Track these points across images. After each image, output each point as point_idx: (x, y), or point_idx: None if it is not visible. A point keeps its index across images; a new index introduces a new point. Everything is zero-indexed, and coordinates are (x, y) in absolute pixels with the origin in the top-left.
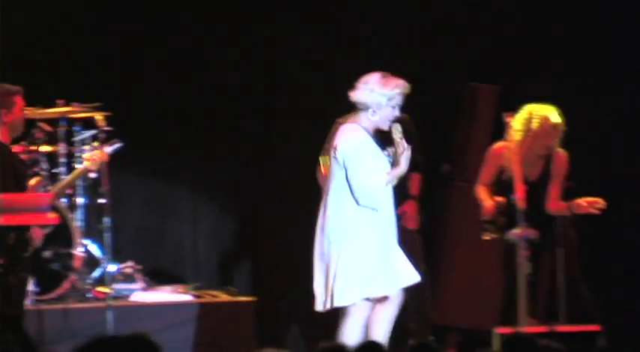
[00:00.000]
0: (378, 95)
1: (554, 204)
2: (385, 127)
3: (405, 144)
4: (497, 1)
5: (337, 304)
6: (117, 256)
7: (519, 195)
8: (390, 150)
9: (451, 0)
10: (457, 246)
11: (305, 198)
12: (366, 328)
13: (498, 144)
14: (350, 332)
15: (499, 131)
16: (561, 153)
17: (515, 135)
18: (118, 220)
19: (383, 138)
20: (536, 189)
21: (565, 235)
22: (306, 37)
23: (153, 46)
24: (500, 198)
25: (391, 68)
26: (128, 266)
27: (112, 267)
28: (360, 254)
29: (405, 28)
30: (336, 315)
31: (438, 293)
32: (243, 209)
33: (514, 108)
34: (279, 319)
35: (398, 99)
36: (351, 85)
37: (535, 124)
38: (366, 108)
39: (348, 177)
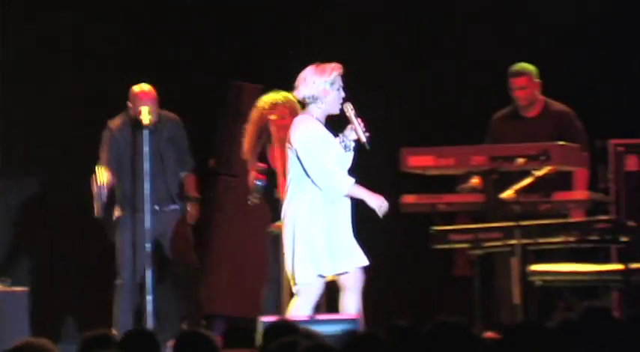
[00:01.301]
0: (321, 84)
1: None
2: (336, 111)
3: (359, 119)
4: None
5: (297, 282)
6: None
7: (281, 188)
8: (343, 135)
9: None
10: (224, 237)
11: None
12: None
13: None
14: (298, 313)
15: None
16: None
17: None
18: None
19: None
20: None
21: None
22: None
23: None
24: (261, 164)
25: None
26: None
27: None
28: (314, 235)
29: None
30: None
31: (208, 283)
32: None
33: None
34: (54, 309)
35: (339, 81)
36: None
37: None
38: (314, 100)
39: (305, 167)
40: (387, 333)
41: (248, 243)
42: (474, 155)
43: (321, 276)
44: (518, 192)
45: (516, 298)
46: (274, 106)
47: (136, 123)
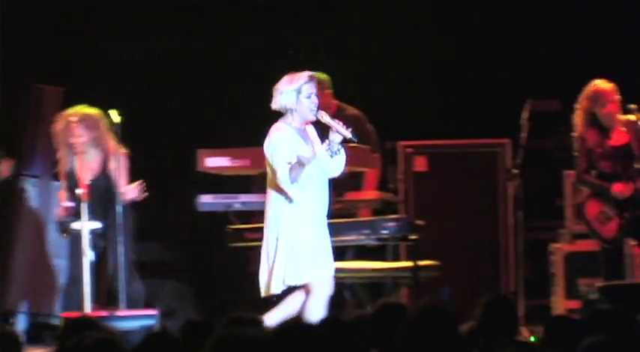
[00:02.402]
0: (289, 93)
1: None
2: (311, 117)
3: (336, 120)
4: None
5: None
6: None
7: (83, 189)
8: (328, 142)
9: None
10: (22, 237)
11: None
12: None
13: None
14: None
15: None
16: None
17: None
18: None
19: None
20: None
21: (127, 224)
22: None
23: None
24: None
25: None
26: None
27: None
28: (296, 241)
29: None
30: None
31: (5, 280)
32: None
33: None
34: None
35: (308, 88)
36: None
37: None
38: (286, 109)
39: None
40: (182, 329)
41: (44, 241)
42: None
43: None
44: None
45: None
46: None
47: None
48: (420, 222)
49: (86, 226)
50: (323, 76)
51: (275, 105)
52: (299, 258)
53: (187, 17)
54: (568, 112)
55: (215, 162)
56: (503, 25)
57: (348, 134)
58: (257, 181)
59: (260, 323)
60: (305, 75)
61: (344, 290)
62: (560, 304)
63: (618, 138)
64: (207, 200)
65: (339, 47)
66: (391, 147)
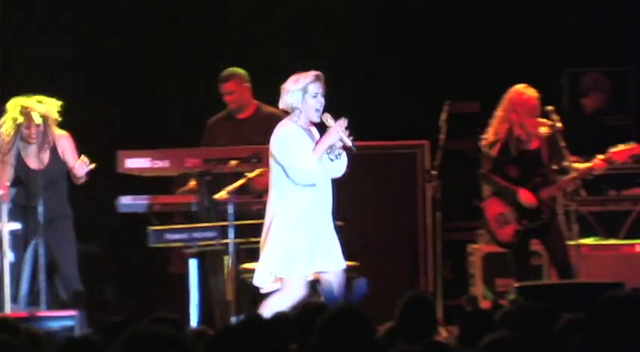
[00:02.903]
0: (295, 92)
1: None
2: (315, 119)
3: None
4: None
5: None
6: None
7: (2, 190)
8: (330, 146)
9: None
10: None
11: None
12: None
13: None
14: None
15: None
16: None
17: None
18: None
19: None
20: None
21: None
22: None
23: None
24: None
25: None
26: None
27: None
28: (290, 238)
29: None
30: None
31: None
32: None
33: None
34: None
35: (314, 88)
36: None
37: None
38: (293, 108)
39: (283, 166)
40: (102, 330)
41: None
42: (188, 157)
43: (303, 276)
44: (230, 193)
45: (229, 295)
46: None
47: None
48: (339, 223)
49: (5, 227)
50: (241, 70)
51: (282, 104)
52: (289, 253)
53: (110, 18)
54: (487, 114)
55: (135, 163)
56: (422, 26)
57: (349, 142)
58: (177, 182)
59: (180, 323)
60: (311, 74)
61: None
62: (480, 304)
63: (531, 144)
64: (126, 201)
65: (263, 44)
66: None
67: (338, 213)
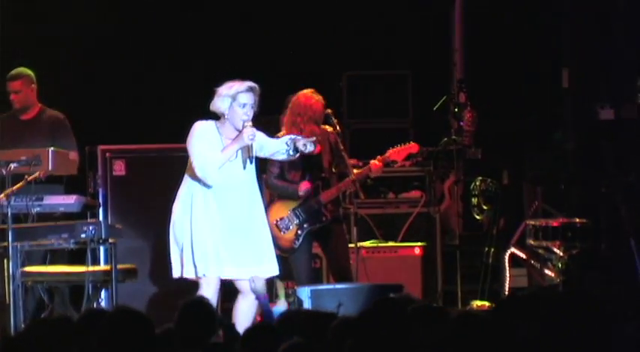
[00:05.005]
0: (224, 98)
1: None
2: (239, 126)
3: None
4: None
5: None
6: None
7: None
8: (292, 139)
9: None
10: None
11: None
12: None
13: None
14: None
15: None
16: None
17: None
18: None
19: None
20: None
21: None
22: None
23: None
24: None
25: None
26: None
27: None
28: (205, 235)
29: None
30: None
31: None
32: None
33: None
34: None
35: (243, 98)
36: None
37: None
38: (220, 113)
39: (193, 164)
40: None
41: None
42: None
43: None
44: (9, 195)
45: (7, 298)
46: None
47: None
48: (118, 226)
49: None
50: (28, 71)
51: (211, 106)
52: (202, 252)
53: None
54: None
55: None
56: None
57: (310, 146)
58: None
59: None
60: (246, 84)
61: (44, 293)
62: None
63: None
64: None
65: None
66: (91, 151)
67: (118, 215)
